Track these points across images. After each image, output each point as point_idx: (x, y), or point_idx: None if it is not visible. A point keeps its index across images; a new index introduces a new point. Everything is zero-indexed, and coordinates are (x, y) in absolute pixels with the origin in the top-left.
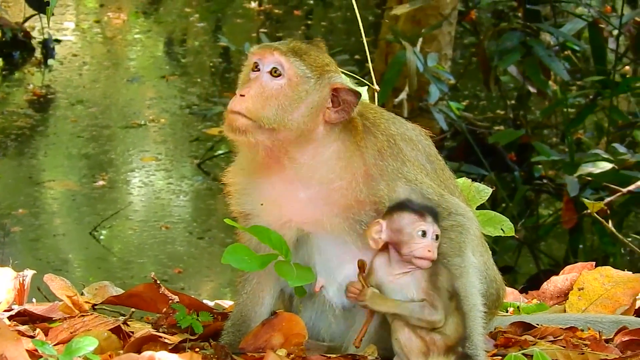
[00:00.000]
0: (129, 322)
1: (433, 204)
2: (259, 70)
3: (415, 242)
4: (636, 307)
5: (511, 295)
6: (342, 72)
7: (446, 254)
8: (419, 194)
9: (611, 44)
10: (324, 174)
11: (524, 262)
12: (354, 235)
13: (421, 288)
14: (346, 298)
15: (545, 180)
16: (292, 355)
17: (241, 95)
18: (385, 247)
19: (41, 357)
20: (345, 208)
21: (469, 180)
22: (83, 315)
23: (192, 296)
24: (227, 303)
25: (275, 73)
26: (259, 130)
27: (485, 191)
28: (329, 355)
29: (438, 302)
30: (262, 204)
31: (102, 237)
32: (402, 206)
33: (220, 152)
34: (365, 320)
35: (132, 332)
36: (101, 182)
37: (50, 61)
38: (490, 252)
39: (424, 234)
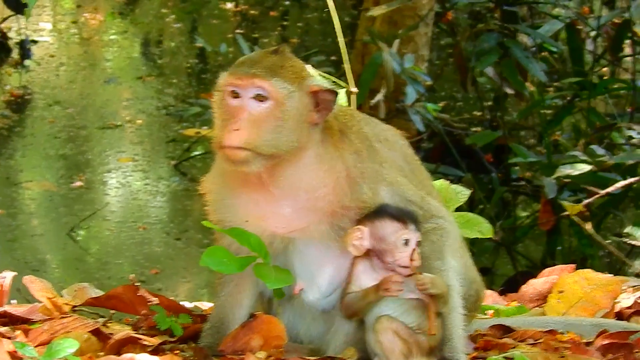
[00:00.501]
0: (108, 324)
1: (414, 208)
2: (239, 97)
3: (399, 250)
4: (616, 310)
5: (490, 297)
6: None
7: (428, 257)
8: (400, 197)
9: (589, 46)
10: (308, 182)
11: (501, 263)
12: (336, 239)
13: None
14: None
15: (522, 182)
16: (271, 358)
17: (235, 130)
18: (366, 253)
19: (22, 358)
20: (330, 214)
21: (447, 182)
22: (63, 317)
23: (170, 297)
24: (205, 305)
25: (259, 98)
26: (259, 157)
27: (463, 193)
28: (308, 357)
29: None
30: (247, 221)
31: (79, 237)
32: (382, 213)
33: (196, 153)
34: (429, 308)
35: (112, 334)
36: (78, 183)
37: (27, 62)
38: (469, 253)
39: (406, 242)
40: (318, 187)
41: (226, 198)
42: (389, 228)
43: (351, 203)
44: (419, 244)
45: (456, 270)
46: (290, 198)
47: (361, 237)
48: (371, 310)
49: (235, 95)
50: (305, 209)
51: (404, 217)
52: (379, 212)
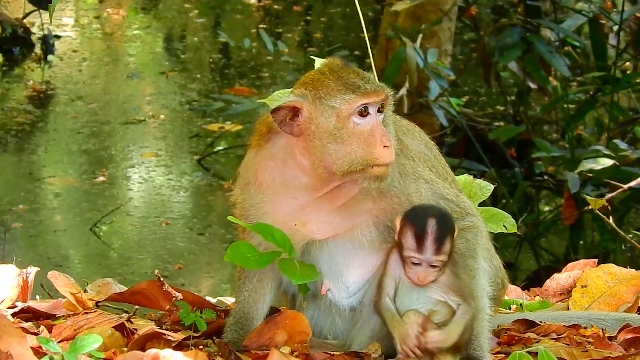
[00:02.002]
0: (132, 320)
1: (450, 205)
2: (368, 114)
3: (409, 266)
4: (639, 305)
5: (514, 292)
6: None
7: (462, 255)
8: (438, 195)
9: (612, 40)
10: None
11: (524, 258)
12: (369, 239)
13: (446, 286)
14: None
15: (545, 177)
16: (295, 353)
17: (385, 147)
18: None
19: (45, 354)
20: (376, 216)
21: (471, 177)
22: (87, 313)
23: (194, 293)
24: (229, 300)
25: (380, 109)
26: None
27: (487, 188)
28: (332, 352)
29: (467, 294)
30: (295, 224)
31: (102, 233)
32: (412, 223)
33: (219, 148)
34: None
35: (136, 330)
36: (101, 178)
37: (50, 57)
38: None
39: (413, 263)
40: (352, 191)
41: (271, 200)
42: (408, 243)
43: (393, 203)
44: (434, 266)
45: (486, 270)
46: (334, 204)
47: (395, 225)
48: (402, 300)
49: (365, 112)
50: (350, 214)
51: (423, 239)
52: (411, 217)
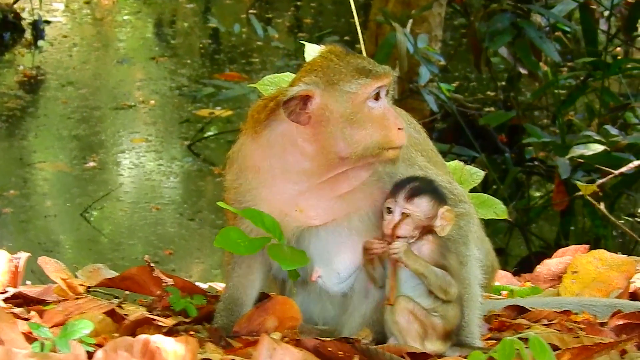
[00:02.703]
0: (123, 305)
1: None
2: (380, 98)
3: (384, 218)
4: (630, 291)
5: (504, 278)
6: None
7: (455, 241)
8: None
9: (602, 25)
10: (356, 172)
11: (514, 244)
12: (364, 225)
13: (431, 260)
14: (367, 257)
15: (536, 162)
16: (286, 339)
17: (400, 129)
18: None
19: (36, 339)
20: (374, 201)
21: (461, 163)
22: (77, 298)
23: (184, 278)
24: (220, 286)
25: (387, 93)
26: None
27: (477, 174)
28: (323, 338)
29: (451, 274)
30: (296, 210)
31: (92, 218)
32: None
33: (210, 133)
34: (391, 277)
35: (127, 315)
36: (92, 164)
37: (40, 42)
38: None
39: (388, 210)
40: (357, 177)
41: (269, 185)
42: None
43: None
44: (405, 216)
45: (477, 258)
46: (335, 190)
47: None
48: (387, 290)
49: (377, 96)
50: (349, 200)
51: (396, 186)
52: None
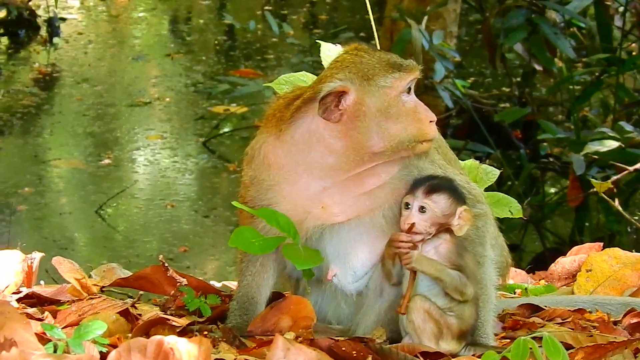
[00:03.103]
0: (137, 305)
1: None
2: (411, 91)
3: (401, 213)
4: None
5: (518, 276)
6: None
7: (472, 242)
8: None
9: (617, 21)
10: (380, 168)
11: (529, 240)
12: (387, 220)
13: (447, 260)
14: (392, 251)
15: (551, 159)
16: (300, 338)
17: (432, 122)
18: None
19: (50, 340)
20: (398, 196)
21: (477, 162)
22: (91, 298)
23: (198, 276)
24: (233, 284)
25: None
26: None
27: (492, 173)
28: (337, 338)
29: (467, 274)
30: (322, 207)
31: (107, 215)
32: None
33: (225, 130)
34: (409, 285)
35: (140, 315)
36: (107, 161)
37: (55, 39)
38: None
39: (406, 205)
40: (385, 172)
41: (293, 182)
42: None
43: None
44: (423, 210)
45: (493, 259)
46: (361, 186)
47: None
48: (403, 295)
49: (409, 91)
50: (374, 196)
51: (415, 184)
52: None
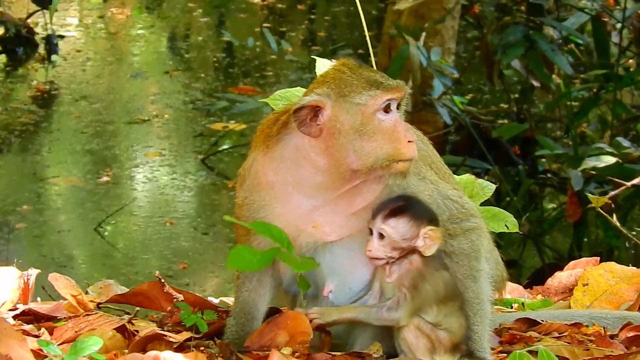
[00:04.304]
0: (133, 321)
1: (455, 207)
2: (390, 111)
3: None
4: None
5: (515, 291)
6: None
7: (467, 255)
8: (442, 195)
9: (614, 38)
10: (368, 186)
11: (528, 255)
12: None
13: (400, 285)
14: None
15: (549, 174)
16: (297, 354)
17: (410, 142)
18: None
19: (46, 357)
20: None
21: (473, 176)
22: (88, 315)
23: (197, 293)
24: (231, 300)
25: (399, 107)
26: None
27: (489, 187)
28: (334, 353)
29: (404, 302)
30: (313, 226)
31: (106, 233)
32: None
33: (224, 147)
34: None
35: (137, 331)
36: (105, 178)
37: (53, 57)
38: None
39: (370, 231)
40: (370, 191)
41: (284, 201)
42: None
43: None
44: (381, 236)
45: (488, 273)
46: (351, 205)
47: None
48: None
49: (388, 109)
50: (362, 214)
51: (377, 208)
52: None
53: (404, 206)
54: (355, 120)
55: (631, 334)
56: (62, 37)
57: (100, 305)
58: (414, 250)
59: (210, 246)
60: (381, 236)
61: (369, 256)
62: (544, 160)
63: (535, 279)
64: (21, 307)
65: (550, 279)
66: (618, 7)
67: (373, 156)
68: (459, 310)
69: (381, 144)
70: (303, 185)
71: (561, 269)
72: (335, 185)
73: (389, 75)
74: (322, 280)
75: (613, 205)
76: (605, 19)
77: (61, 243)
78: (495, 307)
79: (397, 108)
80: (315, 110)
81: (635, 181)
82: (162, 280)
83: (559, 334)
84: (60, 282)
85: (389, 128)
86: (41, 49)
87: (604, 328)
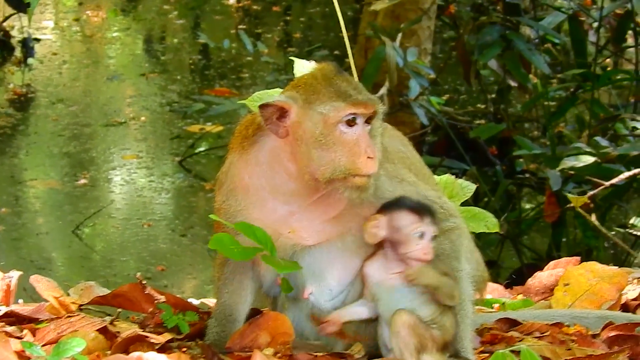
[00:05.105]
0: (115, 323)
1: (434, 207)
2: (355, 124)
3: (414, 243)
4: (622, 302)
5: (496, 291)
6: None
7: (447, 256)
8: (421, 196)
9: (591, 37)
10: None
11: (506, 256)
12: (357, 244)
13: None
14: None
15: (527, 174)
16: (278, 354)
17: (369, 158)
18: (380, 246)
19: (29, 358)
20: (358, 220)
21: (452, 177)
22: (70, 316)
23: (176, 294)
24: (212, 301)
25: (368, 121)
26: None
27: (468, 188)
28: (315, 354)
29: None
30: (289, 232)
31: (84, 235)
32: (401, 204)
33: (201, 149)
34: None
35: (119, 332)
36: (83, 181)
37: (30, 60)
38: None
39: (422, 235)
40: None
41: (259, 206)
42: (405, 219)
43: (375, 204)
44: (434, 238)
45: (468, 273)
46: (326, 211)
47: (378, 226)
48: (386, 303)
49: (353, 122)
50: (341, 220)
51: (421, 210)
52: (398, 203)
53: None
54: (317, 128)
55: (613, 333)
56: (38, 40)
57: (81, 307)
58: None
59: (188, 248)
60: (434, 237)
61: (426, 260)
62: (521, 160)
63: (514, 280)
64: (3, 309)
65: (530, 278)
66: (595, 6)
67: (331, 167)
68: (451, 308)
69: (339, 156)
70: (278, 191)
71: (540, 269)
72: (307, 192)
73: (366, 76)
74: (302, 282)
75: (592, 205)
76: (583, 18)
77: (40, 246)
78: (476, 307)
79: (369, 123)
80: (282, 111)
81: (614, 180)
82: (143, 282)
83: (541, 333)
84: (42, 284)
85: (350, 141)
86: (17, 52)
87: (585, 328)
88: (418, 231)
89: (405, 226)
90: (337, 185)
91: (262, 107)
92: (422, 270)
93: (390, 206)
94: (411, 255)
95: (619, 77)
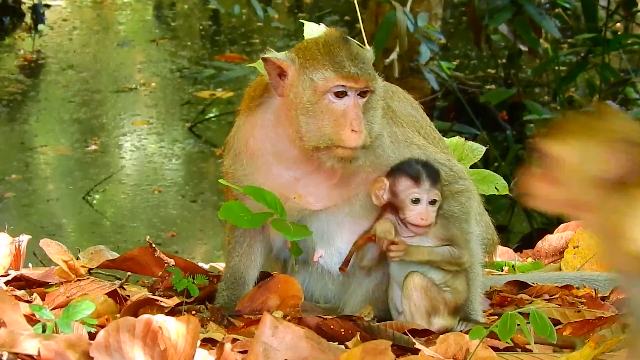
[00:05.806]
0: (125, 286)
1: (444, 170)
2: (346, 95)
3: (409, 208)
4: None
5: (506, 254)
6: None
7: (457, 218)
8: (432, 160)
9: (602, 1)
10: None
11: (517, 221)
12: (364, 208)
13: (437, 238)
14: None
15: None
16: (288, 317)
17: (354, 131)
18: (389, 209)
19: (39, 321)
20: (366, 185)
21: (462, 139)
22: (79, 280)
23: (187, 259)
24: (221, 265)
25: (363, 94)
26: (362, 151)
27: (478, 150)
28: (325, 316)
29: (458, 244)
30: (294, 197)
31: (95, 201)
32: (401, 168)
33: (211, 115)
34: (354, 247)
35: (129, 296)
36: (93, 147)
37: (40, 26)
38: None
39: (416, 201)
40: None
41: (265, 171)
42: (402, 184)
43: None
44: (434, 202)
45: (478, 236)
46: (330, 177)
47: (382, 189)
48: (399, 266)
49: (342, 94)
50: (347, 185)
51: (419, 175)
52: (399, 167)
53: (430, 166)
54: (305, 94)
55: (622, 295)
56: (48, 6)
57: (91, 271)
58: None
59: (198, 214)
60: (433, 202)
61: (424, 225)
62: (532, 125)
63: (524, 244)
64: (13, 273)
65: (540, 241)
66: None
67: (316, 135)
68: (464, 271)
69: (325, 125)
70: (282, 156)
71: (550, 233)
72: (309, 158)
73: (376, 42)
74: (311, 246)
75: None
76: None
77: (50, 212)
78: (486, 270)
79: (364, 96)
80: (281, 70)
81: None
82: (153, 246)
83: (550, 296)
84: (52, 248)
85: (336, 113)
86: (28, 19)
87: (595, 290)
88: (412, 196)
89: (401, 191)
90: (322, 154)
91: (265, 59)
92: (410, 249)
93: (393, 169)
94: (408, 220)
95: (629, 41)
